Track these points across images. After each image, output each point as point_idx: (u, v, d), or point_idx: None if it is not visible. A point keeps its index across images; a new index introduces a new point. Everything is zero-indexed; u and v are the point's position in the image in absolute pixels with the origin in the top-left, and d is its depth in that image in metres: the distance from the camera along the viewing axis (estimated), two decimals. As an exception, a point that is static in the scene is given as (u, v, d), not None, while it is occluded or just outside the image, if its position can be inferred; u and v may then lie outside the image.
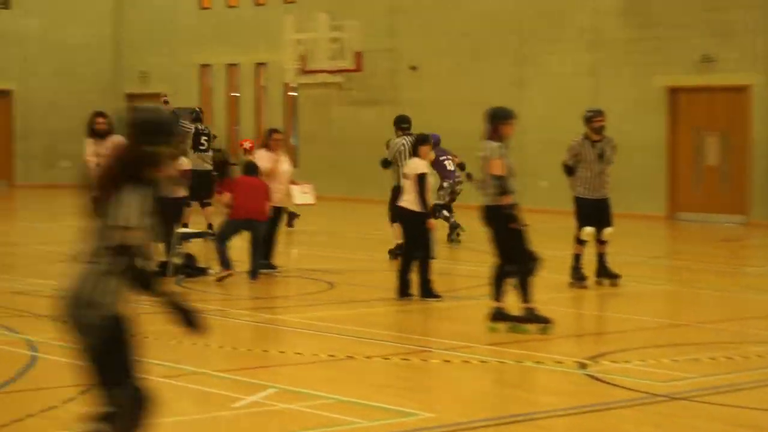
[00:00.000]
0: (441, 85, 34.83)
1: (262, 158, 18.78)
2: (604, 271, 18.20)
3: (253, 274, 17.87)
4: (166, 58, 42.38)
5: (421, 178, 15.91)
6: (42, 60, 42.56)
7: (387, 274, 17.20)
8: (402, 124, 21.10)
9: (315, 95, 38.13)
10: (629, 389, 10.92)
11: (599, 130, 18.04)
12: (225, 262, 17.79)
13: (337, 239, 23.63)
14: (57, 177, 42.58)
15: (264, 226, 18.03)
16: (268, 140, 19.24)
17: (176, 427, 9.29)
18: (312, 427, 9.30)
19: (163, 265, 18.26)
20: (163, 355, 12.09)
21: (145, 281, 6.66)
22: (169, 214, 18.67)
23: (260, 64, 39.99)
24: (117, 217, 6.55)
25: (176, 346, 12.70)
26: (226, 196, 18.48)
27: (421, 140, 16.52)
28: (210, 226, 22.32)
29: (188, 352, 12.41)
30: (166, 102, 25.58)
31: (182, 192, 19.02)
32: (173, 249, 18.35)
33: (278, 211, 18.95)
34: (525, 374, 11.80)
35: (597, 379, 11.32)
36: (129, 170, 6.62)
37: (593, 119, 18.08)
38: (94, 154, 18.67)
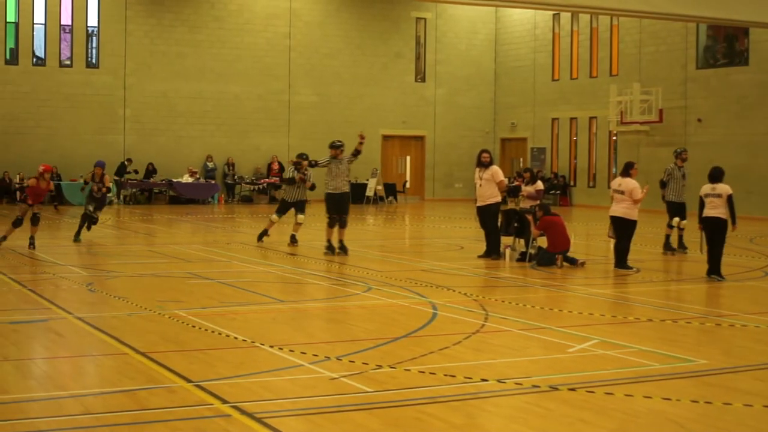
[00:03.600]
0: (720, 132, 33.86)
1: (631, 184, 17.37)
2: None
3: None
4: (529, 113, 42.44)
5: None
6: (445, 115, 43.20)
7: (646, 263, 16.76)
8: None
9: (629, 139, 37.44)
10: None
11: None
12: (571, 261, 17.72)
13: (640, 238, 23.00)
14: (453, 194, 43.28)
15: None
16: (630, 170, 17.64)
17: (529, 364, 9.35)
18: (621, 367, 9.18)
19: (523, 254, 18.38)
20: (520, 315, 12.28)
21: None
22: (525, 218, 18.88)
23: (592, 117, 39.55)
24: None
25: (530, 309, 12.82)
26: (536, 232, 18.00)
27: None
28: None
29: (538, 313, 12.47)
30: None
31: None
32: (532, 243, 18.42)
33: (635, 223, 17.55)
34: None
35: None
36: None
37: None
38: (478, 177, 18.90)
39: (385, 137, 42.45)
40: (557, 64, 41.35)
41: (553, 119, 41.41)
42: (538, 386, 8.27)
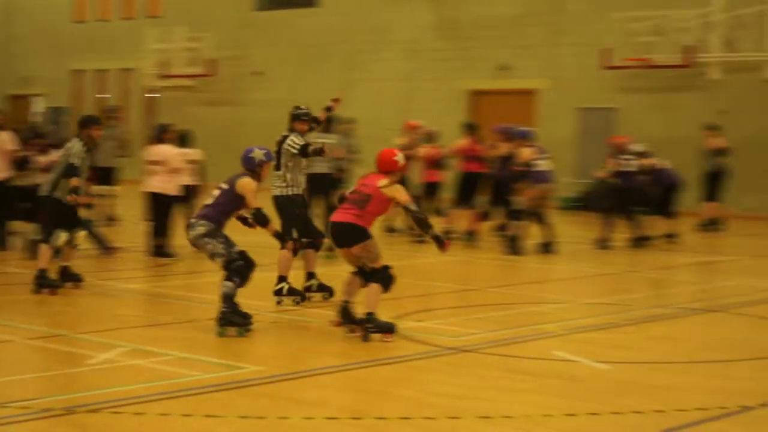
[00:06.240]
0: (283, 87, 35.01)
1: (167, 152, 17.72)
2: None
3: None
4: (45, 64, 41.93)
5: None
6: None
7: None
8: None
9: (172, 97, 37.96)
10: (426, 344, 11.05)
11: None
12: None
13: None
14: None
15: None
16: (163, 135, 17.84)
17: (39, 382, 9.25)
18: (155, 380, 9.22)
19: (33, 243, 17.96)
20: (27, 320, 12.05)
21: None
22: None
23: (126, 70, 39.68)
24: None
25: (43, 311, 12.68)
26: None
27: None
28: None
29: (48, 317, 12.40)
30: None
31: None
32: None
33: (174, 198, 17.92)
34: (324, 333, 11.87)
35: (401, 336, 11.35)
36: None
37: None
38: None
39: None
40: (80, 1, 41.06)
41: (76, 71, 41.08)
42: (51, 409, 8.17)
